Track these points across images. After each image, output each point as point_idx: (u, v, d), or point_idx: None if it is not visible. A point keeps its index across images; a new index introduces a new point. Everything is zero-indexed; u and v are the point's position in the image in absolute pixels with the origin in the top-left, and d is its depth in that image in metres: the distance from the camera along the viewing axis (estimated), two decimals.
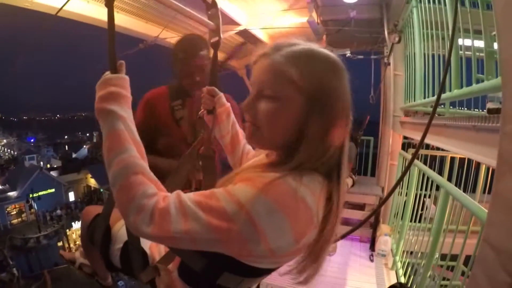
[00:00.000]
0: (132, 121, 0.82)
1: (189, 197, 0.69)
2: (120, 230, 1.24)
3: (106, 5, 0.90)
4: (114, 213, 1.18)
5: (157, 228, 0.65)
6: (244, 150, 1.30)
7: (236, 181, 0.73)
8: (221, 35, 1.45)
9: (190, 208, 0.66)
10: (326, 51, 0.78)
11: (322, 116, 0.73)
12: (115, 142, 0.76)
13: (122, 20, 3.65)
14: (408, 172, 3.27)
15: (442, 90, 1.81)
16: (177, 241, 0.67)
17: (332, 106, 0.74)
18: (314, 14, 3.85)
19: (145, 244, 1.12)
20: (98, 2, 3.35)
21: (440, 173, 3.99)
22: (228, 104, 1.35)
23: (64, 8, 2.81)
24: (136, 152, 0.76)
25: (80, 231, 1.63)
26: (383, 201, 3.71)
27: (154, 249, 1.14)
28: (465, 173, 4.34)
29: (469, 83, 1.88)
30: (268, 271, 0.85)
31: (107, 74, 0.86)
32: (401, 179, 2.99)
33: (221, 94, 1.36)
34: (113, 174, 0.73)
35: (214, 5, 1.44)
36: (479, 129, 1.63)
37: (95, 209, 1.42)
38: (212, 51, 1.49)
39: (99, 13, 3.36)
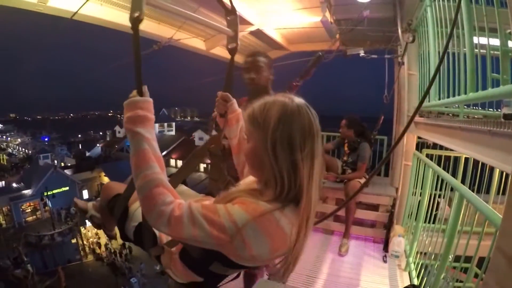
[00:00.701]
0: (155, 140, 1.02)
1: (198, 209, 0.91)
2: (136, 210, 1.44)
3: (132, 28, 1.01)
4: (133, 195, 1.35)
5: (172, 231, 0.91)
6: None
7: (235, 201, 0.96)
8: (238, 42, 1.49)
9: (198, 219, 0.89)
10: (282, 100, 0.99)
11: (284, 152, 0.93)
12: (141, 160, 0.97)
13: None
14: (423, 173, 3.24)
15: (424, 98, 1.78)
16: (186, 240, 0.94)
17: (289, 143, 0.93)
18: (327, 14, 3.83)
19: None
20: (110, 5, 3.40)
21: (454, 173, 3.94)
22: (239, 111, 1.50)
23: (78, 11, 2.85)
24: (158, 169, 0.97)
25: (99, 202, 1.84)
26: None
27: (162, 234, 1.32)
28: (479, 173, 4.27)
29: (483, 82, 1.85)
30: (248, 267, 1.16)
31: (134, 95, 1.04)
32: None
33: (234, 101, 1.51)
34: (139, 186, 0.95)
35: (233, 11, 1.49)
36: (495, 134, 1.60)
37: (116, 186, 1.69)
38: (231, 58, 1.55)
39: (112, 16, 3.41)
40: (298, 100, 1.00)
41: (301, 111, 0.96)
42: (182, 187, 1.64)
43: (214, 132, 1.62)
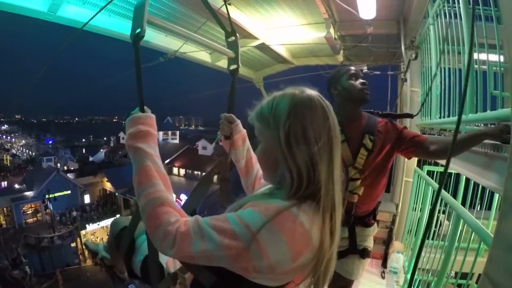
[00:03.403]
0: (158, 156, 0.99)
1: (205, 221, 0.84)
2: (143, 244, 1.37)
3: (133, 45, 1.00)
4: (139, 225, 1.31)
5: (179, 250, 0.81)
6: (258, 174, 1.40)
7: (245, 207, 0.87)
8: (240, 63, 1.50)
9: (206, 230, 0.81)
10: (292, 92, 0.93)
11: (299, 147, 0.85)
12: (143, 177, 0.92)
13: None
14: (423, 190, 3.25)
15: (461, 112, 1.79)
16: (195, 259, 0.83)
17: (304, 136, 0.85)
18: (332, 30, 3.88)
19: (163, 259, 1.25)
20: (118, 16, 3.47)
21: (456, 190, 3.93)
22: (244, 131, 1.45)
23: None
24: (161, 186, 0.92)
25: (107, 238, 1.81)
26: None
27: (170, 264, 1.27)
28: (480, 189, 4.26)
29: (484, 98, 1.84)
30: None
31: (136, 112, 1.01)
32: None
33: (238, 121, 1.46)
34: (142, 205, 0.90)
35: (234, 33, 1.49)
36: (492, 157, 1.63)
37: (122, 220, 1.62)
38: (233, 78, 1.54)
39: (120, 26, 3.48)
40: (310, 91, 0.93)
41: (313, 101, 0.89)
42: None
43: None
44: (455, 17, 2.24)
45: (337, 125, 0.91)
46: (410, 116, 2.76)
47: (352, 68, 2.00)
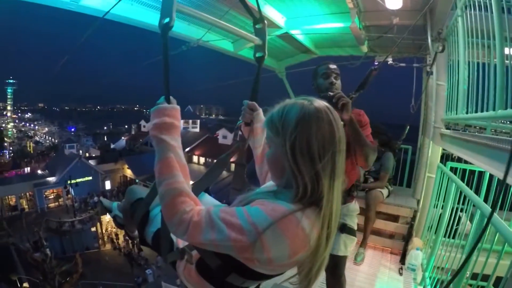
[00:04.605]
0: (180, 147, 1.04)
1: (216, 213, 0.91)
2: (157, 216, 1.45)
3: (162, 35, 1.00)
4: (154, 200, 1.40)
5: (191, 236, 0.91)
6: None
7: (253, 203, 0.94)
8: (266, 51, 1.47)
9: (217, 222, 0.89)
10: (302, 102, 0.95)
11: (303, 159, 0.90)
12: (165, 167, 0.99)
13: None
14: (446, 186, 3.17)
15: None
16: (204, 245, 0.93)
17: (308, 152, 0.90)
18: (357, 20, 3.79)
19: None
20: (141, 5, 3.47)
21: (478, 188, 3.82)
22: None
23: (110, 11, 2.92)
24: (181, 177, 0.98)
25: (123, 203, 1.84)
26: None
27: (180, 239, 1.33)
28: (503, 190, 4.13)
29: None
30: (266, 277, 1.08)
31: (162, 102, 1.03)
32: None
33: (260, 110, 1.48)
34: (161, 193, 0.97)
35: (262, 20, 1.47)
36: None
37: (139, 190, 1.71)
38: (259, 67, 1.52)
39: (142, 15, 3.49)
40: (318, 103, 0.95)
41: (320, 114, 0.92)
42: (205, 197, 1.59)
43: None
44: (485, 9, 2.14)
45: (343, 138, 0.94)
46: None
47: (326, 67, 2.20)
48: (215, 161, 1.54)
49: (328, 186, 0.91)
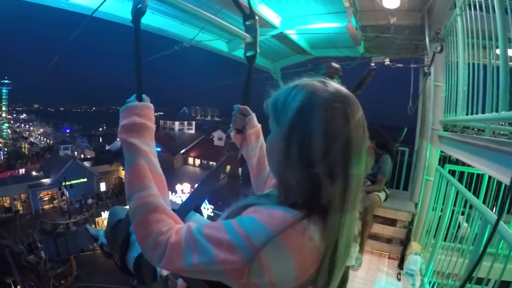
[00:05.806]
0: (154, 153, 0.88)
1: (199, 229, 0.73)
2: None
3: (133, 21, 0.88)
4: None
5: (169, 262, 0.71)
6: (270, 174, 1.23)
7: (245, 212, 0.76)
8: (258, 49, 1.36)
9: (199, 242, 0.70)
10: (312, 87, 0.75)
11: (298, 156, 0.72)
12: (135, 177, 0.82)
13: (158, 21, 3.65)
14: (445, 190, 3.10)
15: None
16: (187, 272, 0.73)
17: (308, 144, 0.71)
18: (353, 19, 3.73)
19: None
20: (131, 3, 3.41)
21: (476, 190, 3.76)
22: (259, 126, 1.30)
23: (99, 9, 2.84)
24: (155, 190, 0.81)
25: (106, 228, 1.67)
26: None
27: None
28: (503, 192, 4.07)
29: None
30: None
31: (133, 100, 0.88)
32: None
33: (253, 114, 1.31)
34: (132, 208, 0.79)
35: (252, 16, 1.35)
36: None
37: (120, 211, 1.49)
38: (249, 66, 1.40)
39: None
40: (334, 88, 0.74)
41: (330, 104, 0.71)
42: (196, 217, 1.25)
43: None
44: (486, 9, 2.08)
45: (360, 136, 0.73)
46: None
47: (328, 65, 2.23)
48: (204, 176, 1.33)
49: (339, 195, 0.70)
